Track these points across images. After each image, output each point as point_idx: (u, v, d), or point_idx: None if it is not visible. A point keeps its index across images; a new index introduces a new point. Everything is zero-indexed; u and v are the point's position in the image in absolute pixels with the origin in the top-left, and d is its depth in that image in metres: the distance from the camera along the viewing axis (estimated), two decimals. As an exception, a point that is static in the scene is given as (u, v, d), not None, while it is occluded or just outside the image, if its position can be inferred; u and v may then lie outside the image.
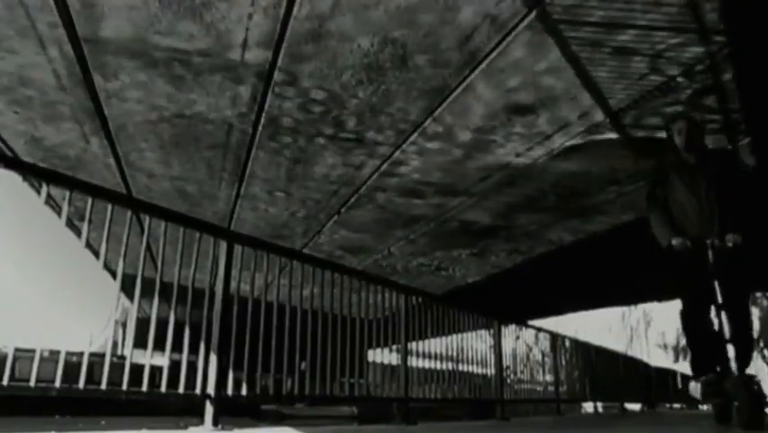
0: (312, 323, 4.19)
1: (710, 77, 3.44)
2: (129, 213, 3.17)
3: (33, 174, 2.97)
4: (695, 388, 3.48)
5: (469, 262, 8.22)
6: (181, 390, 3.15)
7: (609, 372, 11.07)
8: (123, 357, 3.11)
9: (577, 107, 3.83)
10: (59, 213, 5.57)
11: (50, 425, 6.23)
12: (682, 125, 3.53)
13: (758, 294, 23.72)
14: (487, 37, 3.10)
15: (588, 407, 12.92)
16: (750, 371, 3.10)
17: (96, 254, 6.35)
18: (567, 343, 9.44)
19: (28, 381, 2.49)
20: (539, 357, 8.31)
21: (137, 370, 2.90)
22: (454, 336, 6.14)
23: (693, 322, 3.47)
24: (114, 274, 3.06)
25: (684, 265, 3.39)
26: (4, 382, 2.39)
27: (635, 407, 13.28)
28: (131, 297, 3.19)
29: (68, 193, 2.85)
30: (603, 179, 5.11)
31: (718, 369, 3.30)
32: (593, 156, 4.59)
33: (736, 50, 3.18)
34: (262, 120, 4.12)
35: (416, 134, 4.29)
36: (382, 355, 5.31)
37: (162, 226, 3.29)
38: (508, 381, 7.20)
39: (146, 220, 3.27)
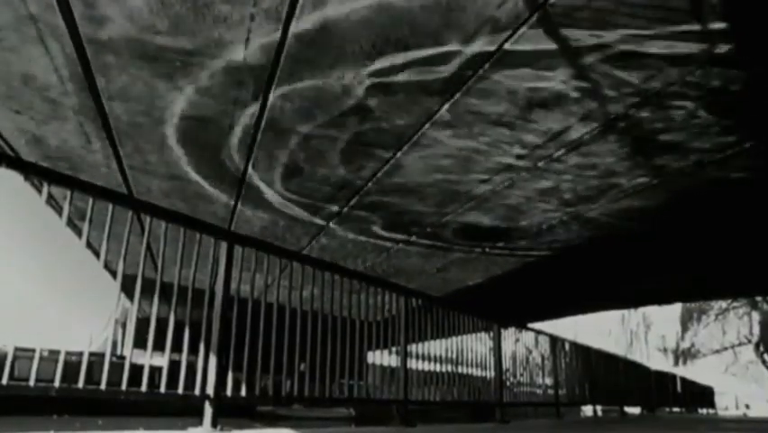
0: (312, 324, 4.19)
1: (713, 78, 3.44)
2: (130, 213, 3.17)
3: (35, 174, 2.97)
4: None
5: (469, 263, 8.22)
6: (180, 390, 3.15)
7: (609, 375, 11.06)
8: (122, 357, 3.11)
9: (578, 110, 3.84)
10: (59, 212, 5.59)
11: (49, 424, 6.22)
12: None
13: (758, 298, 23.72)
14: (488, 39, 3.11)
15: (587, 410, 12.90)
16: (750, 376, 3.07)
17: (97, 254, 6.36)
18: (567, 346, 9.44)
19: (27, 380, 2.49)
20: (539, 360, 8.31)
21: (136, 370, 2.90)
22: (454, 338, 6.14)
23: None
24: (114, 274, 3.06)
25: None
26: (4, 382, 2.39)
27: (634, 410, 13.27)
28: (131, 297, 3.19)
29: (69, 193, 2.85)
30: (606, 184, 5.12)
31: None
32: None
33: (739, 52, 3.18)
34: (264, 120, 4.12)
35: (417, 136, 4.29)
36: (382, 357, 5.30)
37: (163, 227, 3.29)
38: (508, 383, 7.19)
39: (146, 220, 3.27)
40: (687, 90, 3.55)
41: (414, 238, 6.96)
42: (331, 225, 6.52)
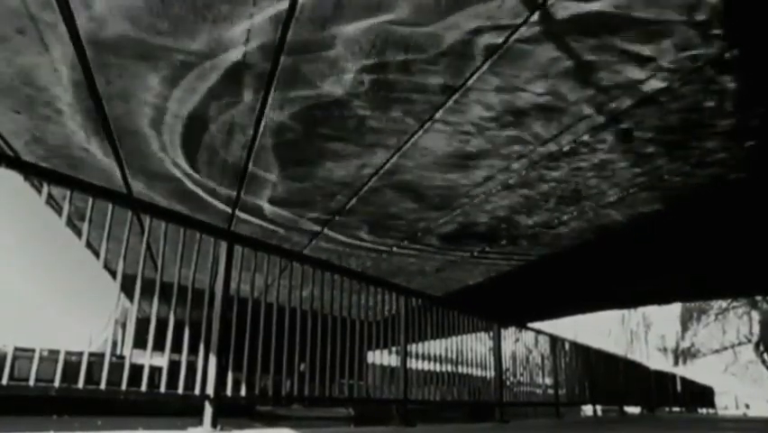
0: (312, 324, 4.19)
1: (714, 79, 3.44)
2: (129, 213, 3.18)
3: (35, 174, 2.98)
4: None
5: (469, 263, 8.22)
6: (180, 390, 3.15)
7: (609, 375, 11.07)
8: (122, 357, 3.11)
9: (578, 109, 3.84)
10: (59, 212, 5.59)
11: (48, 424, 6.22)
12: None
13: (758, 298, 23.74)
14: (488, 39, 3.11)
15: (587, 410, 12.91)
16: (750, 376, 3.08)
17: (97, 254, 6.36)
18: (567, 346, 9.44)
19: (27, 380, 2.50)
20: (539, 360, 8.31)
21: (136, 370, 2.90)
22: (454, 338, 6.14)
23: None
24: (114, 274, 3.07)
25: None
26: (4, 382, 2.39)
27: (634, 410, 13.28)
28: (131, 297, 3.19)
29: (68, 193, 2.86)
30: (609, 181, 5.12)
31: None
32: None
33: (739, 52, 3.19)
34: (264, 121, 4.12)
35: (417, 135, 4.30)
36: (381, 357, 5.31)
37: (163, 227, 3.30)
38: (508, 383, 7.20)
39: (146, 220, 3.28)
40: (687, 89, 3.55)
41: (413, 239, 6.96)
42: (327, 228, 6.52)
